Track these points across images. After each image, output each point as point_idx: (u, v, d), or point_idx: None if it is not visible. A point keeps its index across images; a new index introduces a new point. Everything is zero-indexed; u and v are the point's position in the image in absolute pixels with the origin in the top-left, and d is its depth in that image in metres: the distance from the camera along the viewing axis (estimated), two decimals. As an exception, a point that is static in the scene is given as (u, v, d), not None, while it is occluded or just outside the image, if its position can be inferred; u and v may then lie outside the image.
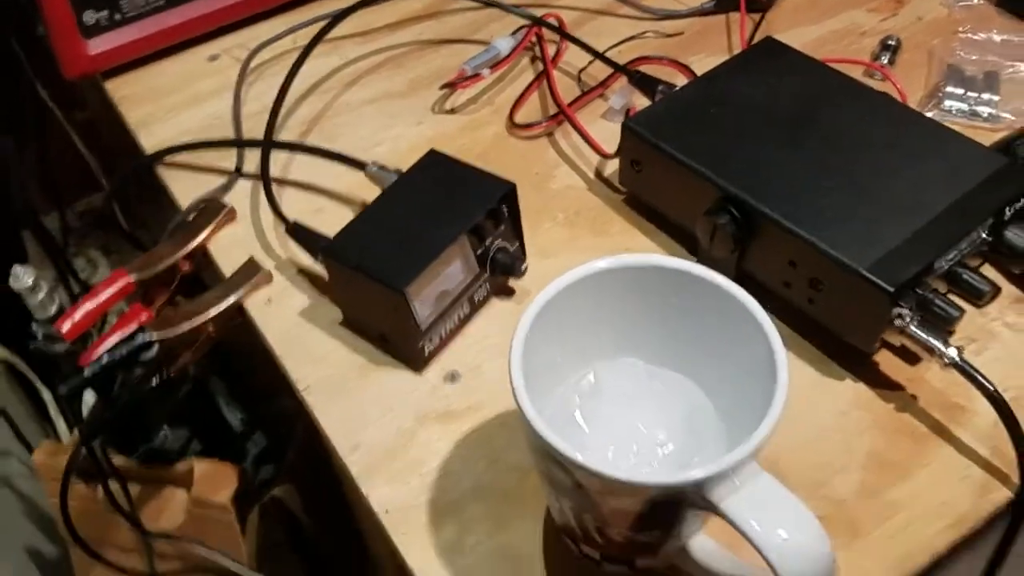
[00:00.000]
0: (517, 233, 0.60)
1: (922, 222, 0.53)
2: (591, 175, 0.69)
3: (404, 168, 0.61)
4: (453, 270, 0.57)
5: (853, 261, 0.51)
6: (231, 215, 0.66)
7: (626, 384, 0.48)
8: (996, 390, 0.50)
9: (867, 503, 0.51)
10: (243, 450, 0.83)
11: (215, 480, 0.73)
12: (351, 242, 0.56)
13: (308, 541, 0.82)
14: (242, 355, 0.74)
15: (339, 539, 0.84)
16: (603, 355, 0.49)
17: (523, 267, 0.59)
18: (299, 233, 0.60)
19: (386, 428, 0.55)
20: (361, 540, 0.76)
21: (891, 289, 0.50)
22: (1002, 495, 0.51)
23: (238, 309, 0.61)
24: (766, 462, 0.54)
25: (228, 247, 0.65)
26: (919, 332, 0.51)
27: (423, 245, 0.55)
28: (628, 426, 0.46)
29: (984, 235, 0.55)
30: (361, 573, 0.87)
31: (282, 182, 0.69)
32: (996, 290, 0.57)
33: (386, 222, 0.57)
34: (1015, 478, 0.51)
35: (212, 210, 0.66)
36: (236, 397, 0.94)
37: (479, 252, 0.58)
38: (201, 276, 0.67)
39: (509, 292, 0.61)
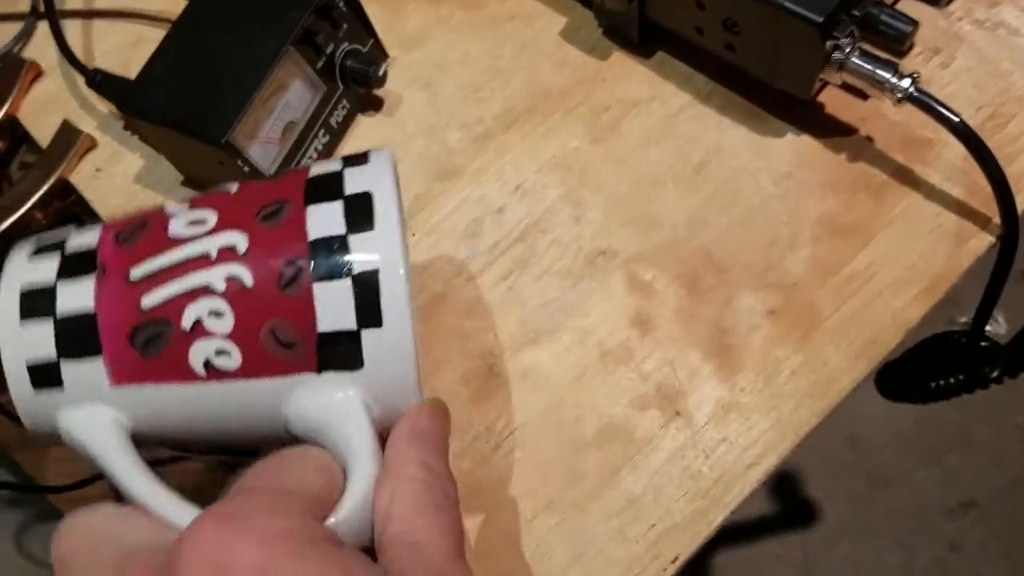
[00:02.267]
0: (366, 28, 0.49)
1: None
2: (456, -72, 0.56)
3: (213, -28, 0.48)
4: (293, 95, 0.46)
5: (769, -9, 0.40)
6: (35, 70, 0.55)
7: None
8: (962, 120, 0.40)
9: (823, 281, 0.43)
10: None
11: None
12: (153, 88, 0.45)
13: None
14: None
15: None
16: None
17: (382, 71, 0.48)
18: (103, 84, 0.49)
19: (257, 299, 0.47)
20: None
21: (819, 19, 0.39)
22: (982, 242, 0.43)
23: (64, 187, 0.51)
24: (698, 254, 0.46)
25: (39, 110, 0.54)
26: (862, 64, 0.41)
27: (241, 74, 0.44)
28: None
29: (937, -81, 0.43)
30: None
31: (88, 14, 0.56)
32: (959, -19, 0.45)
33: (192, 50, 0.45)
34: (996, 217, 0.43)
35: (11, 68, 0.54)
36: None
37: (320, 64, 0.46)
38: (20, 151, 0.57)
39: (376, 104, 0.51)
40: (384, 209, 0.31)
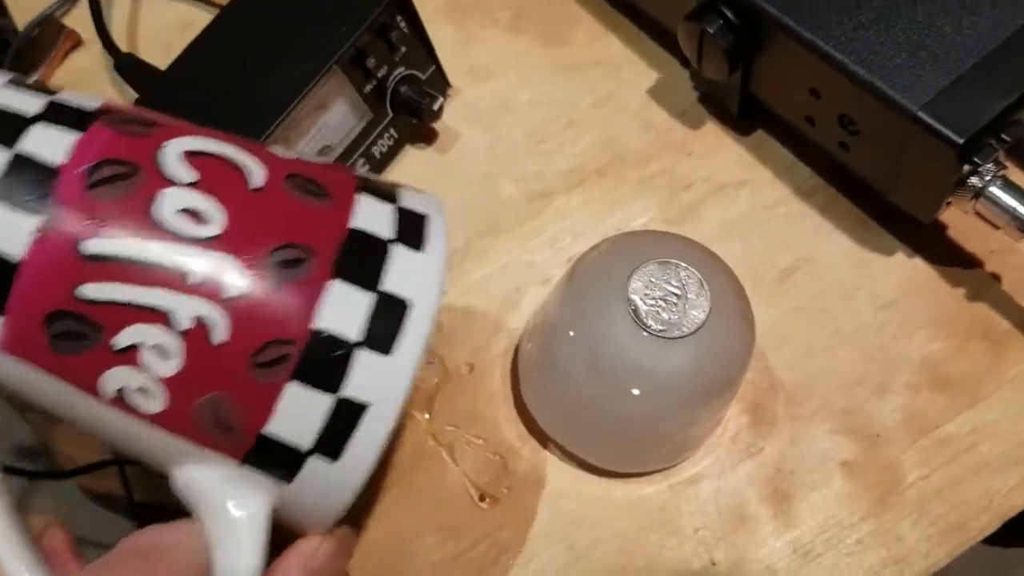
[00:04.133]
0: (429, 53, 0.43)
1: (1019, 22, 0.34)
2: (551, -49, 0.49)
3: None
4: (333, 117, 0.40)
5: (901, 95, 0.33)
6: (73, 39, 0.50)
7: None
8: (1123, 285, 0.33)
9: (912, 440, 0.36)
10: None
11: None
12: (179, 87, 0.39)
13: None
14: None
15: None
16: None
17: (437, 105, 0.42)
18: (133, 71, 0.44)
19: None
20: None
21: (959, 141, 0.32)
22: (1116, 426, 0.36)
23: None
24: (768, 377, 0.39)
25: (72, 83, 0.49)
26: (1003, 197, 0.34)
27: (276, 88, 0.38)
28: None
29: None
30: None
31: (141, -13, 0.52)
32: None
33: (228, 53, 0.40)
34: None
35: (49, 34, 0.50)
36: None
37: (369, 88, 0.41)
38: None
39: (429, 136, 0.45)
40: (414, 334, 0.25)
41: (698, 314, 0.31)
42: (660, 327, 0.31)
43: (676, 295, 0.32)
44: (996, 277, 0.38)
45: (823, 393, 0.37)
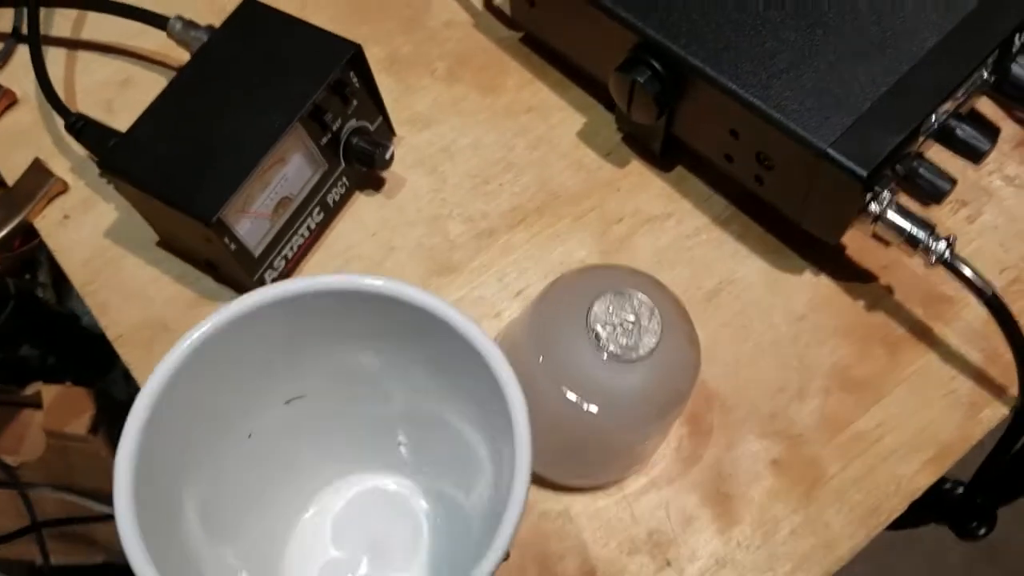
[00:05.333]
0: (377, 105, 0.46)
1: (904, 69, 0.39)
2: (478, 5, 0.53)
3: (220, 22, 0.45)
4: (292, 170, 0.43)
5: (811, 134, 0.38)
6: (9, 98, 0.50)
7: None
8: (995, 294, 0.38)
9: (830, 437, 0.41)
10: (113, 355, 0.71)
11: (67, 407, 0.62)
12: (141, 147, 0.41)
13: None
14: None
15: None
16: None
17: (388, 153, 0.45)
18: (84, 132, 0.45)
19: (226, 384, 0.43)
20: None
21: (864, 173, 0.37)
22: (996, 413, 0.41)
23: (27, 230, 0.47)
24: (703, 390, 0.44)
25: (9, 143, 0.50)
26: (898, 220, 0.39)
27: (240, 146, 0.40)
28: None
29: (986, 75, 0.41)
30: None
31: (75, 44, 0.53)
32: (995, 134, 0.44)
33: (189, 112, 0.42)
34: (1013, 388, 0.41)
35: (-17, 93, 0.50)
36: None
37: (325, 141, 0.43)
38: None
39: (377, 183, 0.48)
40: None
41: (651, 338, 0.35)
42: (619, 351, 0.35)
43: (632, 322, 0.36)
44: (889, 289, 0.44)
45: (751, 401, 0.42)
